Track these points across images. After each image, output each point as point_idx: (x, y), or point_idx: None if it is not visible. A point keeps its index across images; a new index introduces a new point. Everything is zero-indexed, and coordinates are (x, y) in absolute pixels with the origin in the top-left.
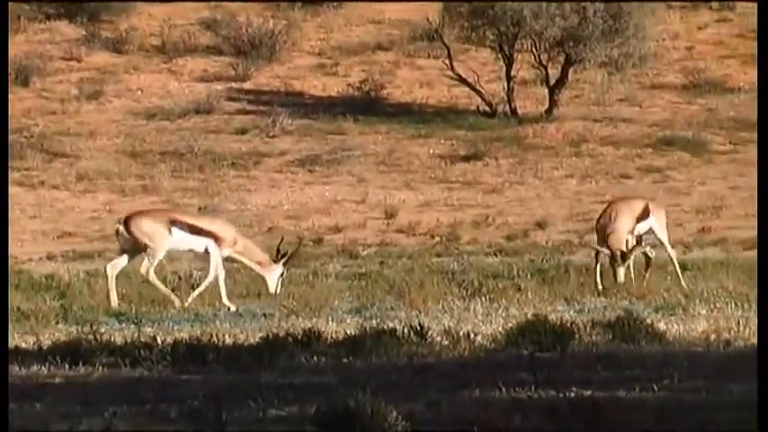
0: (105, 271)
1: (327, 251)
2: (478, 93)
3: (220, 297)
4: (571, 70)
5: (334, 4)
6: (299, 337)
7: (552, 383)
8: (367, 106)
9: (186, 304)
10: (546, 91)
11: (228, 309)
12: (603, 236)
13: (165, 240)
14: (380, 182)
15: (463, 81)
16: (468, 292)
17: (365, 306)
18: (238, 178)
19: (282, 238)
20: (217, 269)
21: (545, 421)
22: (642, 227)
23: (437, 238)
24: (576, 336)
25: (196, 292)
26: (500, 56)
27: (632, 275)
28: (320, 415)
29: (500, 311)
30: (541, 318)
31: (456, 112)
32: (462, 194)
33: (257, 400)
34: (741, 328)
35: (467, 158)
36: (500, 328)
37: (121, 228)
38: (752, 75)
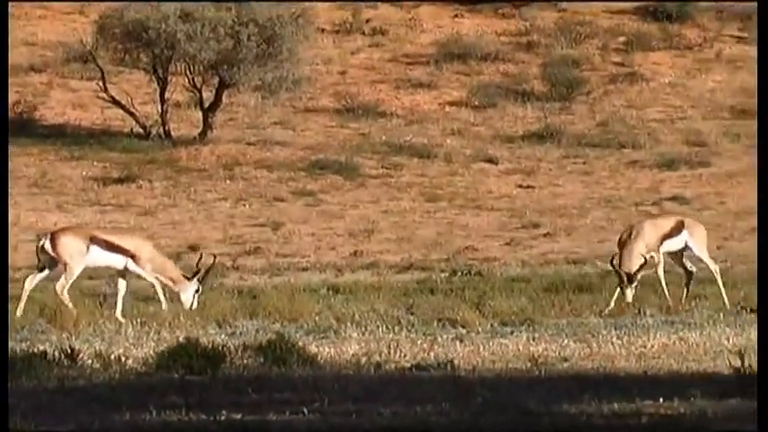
0: (23, 285)
1: None
2: (132, 115)
3: (114, 309)
4: (225, 93)
5: None
6: None
7: (203, 407)
8: (19, 128)
9: (171, 313)
10: (200, 114)
11: (121, 324)
12: (620, 255)
13: (83, 259)
14: (32, 204)
15: (117, 103)
16: (121, 314)
17: (15, 328)
18: None
19: (202, 255)
20: (155, 277)
21: None
22: (673, 244)
23: None
24: (228, 359)
25: (164, 305)
26: (154, 78)
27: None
28: None
29: (151, 335)
30: (193, 341)
31: (109, 135)
32: (115, 217)
33: None
34: (392, 351)
35: (120, 181)
36: (151, 352)
37: (47, 244)
38: (404, 100)
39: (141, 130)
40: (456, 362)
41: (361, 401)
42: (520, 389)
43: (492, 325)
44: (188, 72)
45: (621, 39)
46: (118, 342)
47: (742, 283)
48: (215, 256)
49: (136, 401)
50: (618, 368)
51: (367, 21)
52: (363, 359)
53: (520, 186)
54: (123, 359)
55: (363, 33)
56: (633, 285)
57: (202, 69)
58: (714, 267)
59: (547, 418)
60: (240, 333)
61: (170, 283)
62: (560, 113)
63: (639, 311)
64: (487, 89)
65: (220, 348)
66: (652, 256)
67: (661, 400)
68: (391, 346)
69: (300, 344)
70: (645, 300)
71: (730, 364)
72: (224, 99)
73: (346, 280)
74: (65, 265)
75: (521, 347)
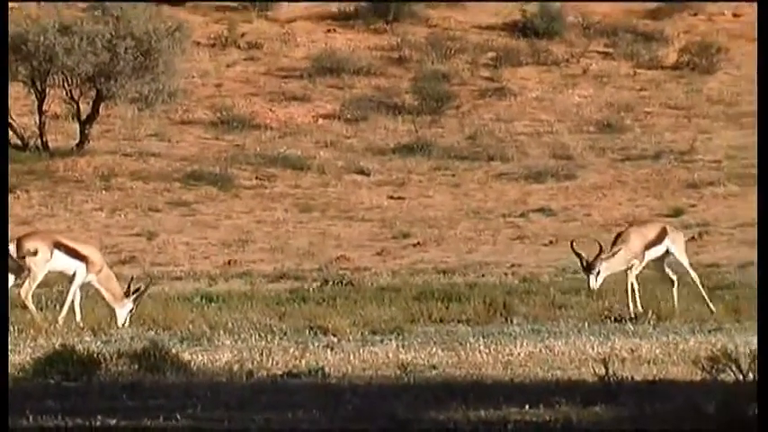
0: None
1: None
2: (11, 126)
3: (76, 317)
4: (102, 105)
5: None
6: None
7: (79, 412)
8: None
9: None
10: (77, 125)
11: (83, 328)
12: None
13: (47, 264)
14: None
15: None
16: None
17: None
18: None
19: (132, 278)
20: (76, 291)
21: None
22: (658, 250)
23: None
24: (103, 365)
25: (63, 313)
26: (32, 90)
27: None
28: None
29: (28, 341)
30: (69, 348)
31: None
32: None
33: None
34: (264, 359)
35: None
36: (28, 358)
37: (12, 248)
38: (279, 112)
39: (19, 142)
40: (327, 369)
41: (233, 408)
42: (389, 396)
43: (362, 333)
44: (66, 84)
45: (490, 54)
46: None
47: (606, 293)
48: (150, 279)
49: (13, 407)
50: (485, 376)
51: (242, 35)
52: (236, 366)
53: (391, 197)
54: None
55: (239, 47)
56: (594, 273)
57: (80, 82)
58: (694, 274)
59: (415, 424)
60: (115, 340)
61: (110, 298)
62: (430, 126)
63: (507, 320)
64: (360, 102)
65: (96, 355)
66: (632, 264)
67: (527, 407)
68: (263, 354)
69: (174, 351)
70: (511, 309)
71: (595, 372)
72: (101, 111)
73: (220, 289)
74: (28, 270)
75: (390, 355)
